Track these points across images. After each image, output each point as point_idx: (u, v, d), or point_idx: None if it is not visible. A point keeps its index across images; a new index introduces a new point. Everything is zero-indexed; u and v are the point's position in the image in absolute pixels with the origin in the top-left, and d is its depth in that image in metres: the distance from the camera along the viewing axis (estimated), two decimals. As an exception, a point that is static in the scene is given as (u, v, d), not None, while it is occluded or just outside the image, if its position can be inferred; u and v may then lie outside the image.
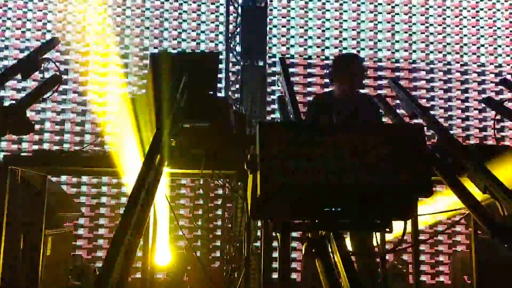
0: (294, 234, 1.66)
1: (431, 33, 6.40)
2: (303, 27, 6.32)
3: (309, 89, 6.14)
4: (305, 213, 1.51)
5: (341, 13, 6.38)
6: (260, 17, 5.99)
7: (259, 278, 2.50)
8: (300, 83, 6.14)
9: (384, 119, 3.73)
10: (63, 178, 5.61)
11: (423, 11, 6.46)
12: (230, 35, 6.17)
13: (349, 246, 3.27)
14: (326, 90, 5.52)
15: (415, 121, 2.41)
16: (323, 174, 1.41)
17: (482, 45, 6.42)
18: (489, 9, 6.48)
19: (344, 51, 6.27)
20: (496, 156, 2.53)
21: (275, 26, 6.27)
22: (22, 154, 5.53)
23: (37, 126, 5.63)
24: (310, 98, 5.71)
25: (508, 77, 6.22)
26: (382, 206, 1.50)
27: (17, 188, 2.99)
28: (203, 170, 2.73)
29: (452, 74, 6.33)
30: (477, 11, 6.46)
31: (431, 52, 6.37)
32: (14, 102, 2.68)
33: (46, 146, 5.72)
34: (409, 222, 1.62)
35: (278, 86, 5.99)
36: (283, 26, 6.29)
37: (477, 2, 6.47)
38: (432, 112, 5.88)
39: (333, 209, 1.50)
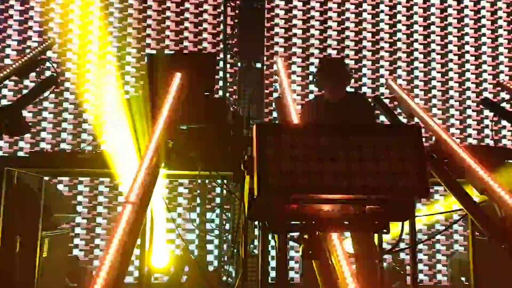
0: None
1: (432, 32, 6.41)
2: (301, 28, 6.32)
3: (307, 90, 6.14)
4: (302, 214, 1.50)
5: (339, 14, 6.38)
6: (258, 18, 5.99)
7: (257, 279, 2.49)
8: (298, 84, 6.15)
9: (382, 119, 3.74)
10: (60, 178, 5.59)
11: (422, 12, 6.47)
12: (228, 36, 6.17)
13: (351, 247, 3.26)
14: (315, 95, 5.54)
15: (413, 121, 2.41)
16: (319, 175, 1.41)
17: (482, 45, 6.42)
18: (489, 10, 6.50)
19: (343, 52, 6.28)
20: (494, 158, 2.53)
21: (273, 27, 6.27)
22: (19, 155, 5.51)
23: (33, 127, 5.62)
24: (308, 99, 5.72)
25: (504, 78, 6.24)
26: (379, 207, 1.50)
27: (13, 189, 2.98)
28: (200, 171, 2.72)
29: (450, 74, 6.34)
30: (477, 12, 6.47)
31: (431, 51, 6.38)
32: (10, 102, 2.67)
33: (43, 146, 5.70)
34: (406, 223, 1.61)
35: (276, 87, 6.00)
36: (281, 28, 6.29)
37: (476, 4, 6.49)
38: (429, 113, 5.91)
39: (330, 210, 1.50)
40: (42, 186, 3.20)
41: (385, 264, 5.18)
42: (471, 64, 6.36)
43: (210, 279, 4.80)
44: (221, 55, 6.09)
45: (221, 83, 6.03)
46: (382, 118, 3.73)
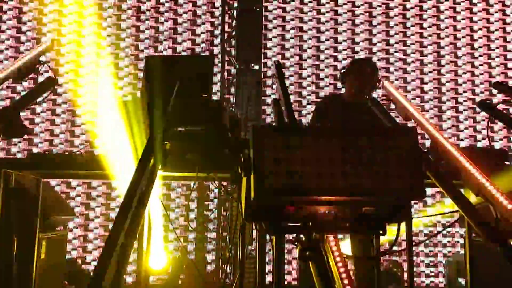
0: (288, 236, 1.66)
1: (429, 35, 6.43)
2: (299, 30, 6.34)
3: (304, 92, 6.16)
4: (298, 216, 1.51)
5: (337, 16, 6.40)
6: (256, 20, 6.00)
7: (254, 280, 2.50)
8: (296, 86, 6.16)
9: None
10: (58, 180, 5.59)
11: (418, 13, 6.49)
12: (225, 38, 6.18)
13: (349, 249, 3.26)
14: (330, 93, 5.52)
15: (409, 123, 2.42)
16: (316, 177, 1.42)
17: (477, 48, 6.45)
18: (483, 10, 6.52)
19: (341, 54, 6.30)
20: (490, 160, 2.55)
21: (271, 29, 6.29)
22: (16, 157, 5.51)
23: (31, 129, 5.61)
24: (319, 99, 5.70)
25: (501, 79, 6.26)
26: (375, 209, 1.51)
27: (11, 191, 2.98)
28: (197, 173, 2.73)
29: (446, 76, 6.36)
30: (472, 13, 6.50)
31: (426, 55, 6.40)
32: (7, 105, 2.68)
33: (40, 149, 5.70)
34: (403, 224, 1.62)
35: (273, 89, 6.01)
36: (280, 30, 6.31)
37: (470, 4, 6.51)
38: (426, 115, 5.93)
39: (326, 212, 1.51)
40: (40, 188, 3.20)
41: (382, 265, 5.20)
42: (469, 65, 6.39)
43: (207, 280, 4.81)
44: (219, 57, 6.10)
45: (218, 85, 6.04)
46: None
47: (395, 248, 1.73)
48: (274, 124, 4.03)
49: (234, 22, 6.10)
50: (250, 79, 5.82)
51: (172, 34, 6.20)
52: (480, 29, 6.49)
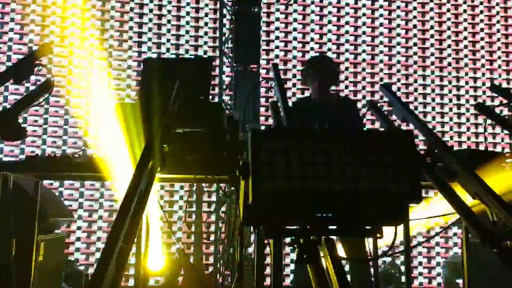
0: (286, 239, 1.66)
1: (431, 36, 6.44)
2: (298, 31, 6.35)
3: (306, 93, 6.16)
4: (296, 219, 1.52)
5: (335, 17, 6.41)
6: (254, 22, 6.01)
7: (253, 283, 2.50)
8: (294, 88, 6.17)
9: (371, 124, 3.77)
10: (56, 182, 5.59)
11: (420, 15, 6.51)
12: (223, 40, 6.19)
13: (341, 252, 3.27)
14: (298, 97, 5.55)
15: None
16: (314, 180, 1.42)
17: (479, 49, 6.46)
18: (486, 13, 6.54)
19: (340, 56, 6.31)
20: (487, 162, 2.55)
21: (269, 31, 6.29)
22: (15, 159, 5.51)
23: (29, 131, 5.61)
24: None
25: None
26: (372, 211, 1.52)
27: (9, 193, 2.98)
28: (196, 175, 2.73)
29: (446, 78, 6.38)
30: (474, 16, 6.52)
31: (428, 56, 6.41)
32: (5, 107, 2.68)
33: (39, 151, 5.70)
34: (400, 227, 1.63)
35: (271, 91, 6.02)
36: (278, 32, 6.32)
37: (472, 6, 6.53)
38: (423, 118, 5.95)
39: (324, 215, 1.51)
40: (38, 190, 3.20)
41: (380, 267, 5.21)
42: (469, 68, 6.41)
43: (205, 282, 4.81)
44: (217, 59, 6.11)
45: (217, 87, 6.05)
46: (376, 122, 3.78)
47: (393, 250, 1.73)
48: (271, 126, 4.06)
49: (232, 23, 6.11)
50: (249, 81, 5.83)
51: (170, 36, 6.20)
52: (482, 29, 6.51)
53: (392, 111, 2.32)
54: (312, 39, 6.35)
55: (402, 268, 5.08)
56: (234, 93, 5.90)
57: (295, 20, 6.38)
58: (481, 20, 6.51)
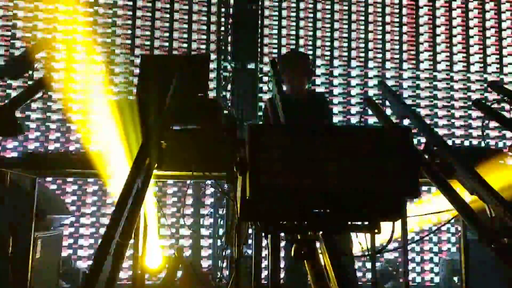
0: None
1: (422, 34, 6.45)
2: (295, 29, 6.34)
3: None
4: (294, 215, 1.51)
5: (332, 14, 6.41)
6: (252, 19, 5.99)
7: (250, 279, 2.50)
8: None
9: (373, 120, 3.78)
10: (53, 178, 5.58)
11: (413, 12, 6.50)
12: (221, 37, 6.18)
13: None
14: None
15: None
16: (311, 176, 1.42)
17: (473, 45, 6.47)
18: (478, 8, 6.54)
19: (336, 53, 6.30)
20: (485, 159, 2.56)
21: (267, 28, 6.28)
22: (11, 155, 5.49)
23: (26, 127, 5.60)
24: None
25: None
26: (370, 207, 1.52)
27: (6, 190, 2.97)
28: (193, 172, 2.73)
29: (443, 76, 6.38)
30: (466, 12, 6.52)
31: (423, 51, 6.42)
32: (3, 103, 2.67)
33: (34, 146, 5.69)
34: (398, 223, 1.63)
35: (269, 88, 6.00)
36: (276, 29, 6.31)
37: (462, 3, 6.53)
38: (422, 114, 5.95)
39: (322, 211, 1.51)
40: (35, 187, 3.19)
41: (378, 264, 5.22)
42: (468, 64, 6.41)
43: (203, 279, 4.81)
44: (215, 56, 6.10)
45: (214, 84, 6.04)
46: (373, 119, 3.79)
47: (391, 246, 1.73)
48: (266, 122, 4.05)
49: (230, 20, 6.10)
50: (246, 78, 5.82)
51: (167, 33, 6.19)
52: (476, 26, 6.51)
53: (390, 108, 2.33)
54: (308, 36, 6.35)
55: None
56: (231, 91, 5.89)
57: (293, 17, 6.37)
58: (475, 17, 6.52)
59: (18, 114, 2.67)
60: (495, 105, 2.89)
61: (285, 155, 1.44)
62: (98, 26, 6.03)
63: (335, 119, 6.05)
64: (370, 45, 6.37)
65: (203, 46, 6.21)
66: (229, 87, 6.00)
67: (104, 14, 6.10)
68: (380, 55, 6.36)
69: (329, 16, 6.40)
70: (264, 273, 4.46)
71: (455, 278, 4.92)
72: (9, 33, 5.87)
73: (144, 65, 3.02)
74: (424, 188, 5.05)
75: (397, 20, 6.46)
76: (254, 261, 2.57)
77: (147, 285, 4.60)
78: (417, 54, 6.40)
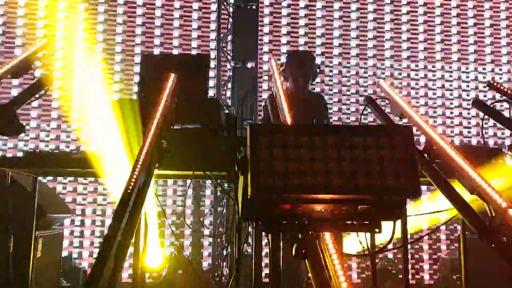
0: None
1: (430, 31, 6.45)
2: (295, 27, 6.34)
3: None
4: (295, 214, 1.52)
5: (331, 12, 6.41)
6: (252, 18, 5.99)
7: (250, 278, 2.51)
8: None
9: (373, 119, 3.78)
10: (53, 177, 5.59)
11: (413, 10, 6.51)
12: (221, 36, 6.18)
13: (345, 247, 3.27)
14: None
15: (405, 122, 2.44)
16: (312, 175, 1.43)
17: (468, 45, 6.47)
18: (476, 7, 6.55)
19: (335, 50, 6.31)
20: (484, 158, 2.56)
21: (267, 27, 6.29)
22: (12, 155, 5.50)
23: (27, 127, 5.60)
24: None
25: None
26: (371, 207, 1.52)
27: (7, 189, 2.98)
28: (194, 171, 2.73)
29: (444, 75, 6.39)
30: (465, 10, 6.53)
31: (422, 50, 6.42)
32: (3, 102, 2.67)
33: (33, 145, 5.69)
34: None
35: (269, 86, 6.01)
36: (276, 28, 6.31)
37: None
38: (421, 113, 5.95)
39: (322, 210, 1.52)
40: (36, 186, 3.19)
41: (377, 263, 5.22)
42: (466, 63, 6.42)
43: (203, 278, 4.82)
44: (215, 55, 6.10)
45: (214, 83, 6.05)
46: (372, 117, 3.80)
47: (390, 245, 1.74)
48: (266, 120, 4.05)
49: (230, 19, 6.10)
50: (246, 77, 5.82)
51: (168, 31, 6.19)
52: (473, 25, 6.52)
53: (390, 107, 2.33)
54: (305, 34, 6.35)
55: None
56: (232, 90, 5.90)
57: (293, 16, 6.37)
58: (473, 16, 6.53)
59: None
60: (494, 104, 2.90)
61: (286, 155, 1.44)
62: (99, 25, 6.03)
63: (334, 118, 6.06)
64: (370, 44, 6.38)
65: (203, 45, 6.21)
66: (229, 86, 6.01)
67: (105, 13, 6.10)
68: (379, 56, 6.37)
69: (329, 15, 6.40)
70: (264, 272, 4.47)
71: (455, 277, 4.92)
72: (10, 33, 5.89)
73: (145, 64, 3.03)
74: (423, 187, 5.06)
75: (398, 20, 6.47)
76: (254, 260, 2.57)
77: (147, 284, 4.61)
78: (416, 52, 6.41)
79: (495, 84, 2.78)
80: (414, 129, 1.73)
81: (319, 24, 6.36)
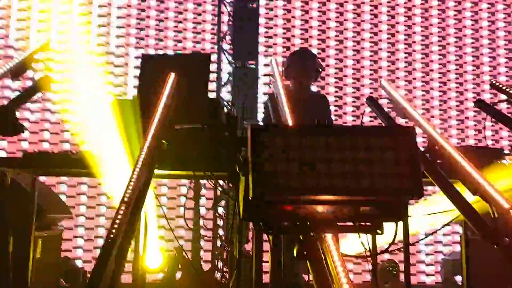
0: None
1: (431, 33, 6.45)
2: (296, 27, 6.34)
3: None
4: (296, 215, 1.51)
5: (327, 11, 6.41)
6: (252, 17, 5.98)
7: (251, 279, 2.49)
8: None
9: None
10: (53, 178, 5.57)
11: (423, 11, 6.50)
12: (221, 35, 6.17)
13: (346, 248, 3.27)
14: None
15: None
16: (314, 176, 1.42)
17: (468, 45, 6.47)
18: (488, 10, 6.54)
19: (336, 51, 6.30)
20: (488, 159, 2.55)
21: (268, 27, 6.28)
22: (11, 155, 5.49)
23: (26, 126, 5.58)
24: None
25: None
26: (373, 208, 1.51)
27: (6, 189, 2.97)
28: (194, 171, 2.72)
29: (447, 75, 6.38)
30: (476, 12, 6.52)
31: (428, 53, 6.41)
32: (3, 103, 2.66)
33: (36, 146, 5.68)
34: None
35: (270, 87, 6.00)
36: (277, 28, 6.31)
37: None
38: (423, 114, 5.94)
39: (324, 212, 1.51)
40: (36, 186, 3.18)
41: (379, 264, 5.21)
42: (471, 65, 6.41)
43: (204, 279, 4.80)
44: (215, 55, 6.09)
45: (215, 83, 6.03)
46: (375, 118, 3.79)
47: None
48: (267, 119, 4.05)
49: (230, 19, 6.08)
50: (247, 77, 5.81)
51: (168, 32, 6.18)
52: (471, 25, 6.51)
53: (392, 108, 2.32)
54: (297, 35, 6.34)
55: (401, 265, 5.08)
56: (232, 90, 5.89)
57: (293, 17, 6.37)
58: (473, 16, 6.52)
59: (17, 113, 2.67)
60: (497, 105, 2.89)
61: (287, 155, 1.43)
62: (98, 25, 6.03)
63: (332, 117, 6.05)
64: (371, 44, 6.38)
65: (203, 45, 6.21)
66: (229, 86, 6.00)
67: (104, 13, 6.10)
68: (379, 56, 6.36)
69: (328, 15, 6.40)
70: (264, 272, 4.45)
71: (457, 278, 4.91)
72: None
73: (145, 65, 3.01)
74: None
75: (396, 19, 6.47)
76: (255, 261, 2.56)
77: (147, 284, 4.60)
78: (416, 52, 6.40)
79: (497, 84, 2.77)
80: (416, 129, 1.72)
81: (320, 24, 6.35)
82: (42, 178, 4.36)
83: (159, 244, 3.94)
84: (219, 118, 2.79)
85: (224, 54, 6.11)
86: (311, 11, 6.40)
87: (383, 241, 1.76)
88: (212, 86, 5.98)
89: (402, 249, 3.06)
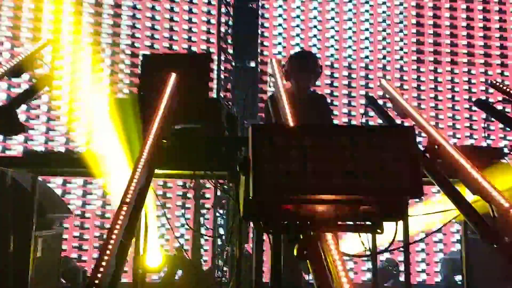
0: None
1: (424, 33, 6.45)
2: (296, 27, 6.34)
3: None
4: (297, 214, 1.51)
5: (326, 12, 6.41)
6: (252, 17, 5.99)
7: (251, 279, 2.50)
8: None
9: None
10: (53, 178, 5.57)
11: (418, 11, 6.51)
12: (222, 35, 6.17)
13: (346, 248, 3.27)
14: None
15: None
16: (314, 176, 1.42)
17: (473, 46, 6.47)
18: (483, 9, 6.55)
19: (337, 51, 6.30)
20: (488, 159, 2.55)
21: (268, 27, 6.28)
22: (12, 154, 5.49)
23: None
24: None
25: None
26: (373, 207, 1.51)
27: (7, 189, 2.97)
28: (194, 171, 2.72)
29: (446, 75, 6.38)
30: (471, 10, 6.53)
31: (422, 52, 6.41)
32: (4, 102, 2.66)
33: (36, 146, 5.68)
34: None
35: (270, 87, 6.00)
36: (276, 28, 6.30)
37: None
38: (423, 113, 5.95)
39: (324, 211, 1.51)
40: (36, 186, 3.18)
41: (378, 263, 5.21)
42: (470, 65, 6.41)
43: (204, 278, 4.81)
44: (215, 55, 6.09)
45: (215, 83, 6.04)
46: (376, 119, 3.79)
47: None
48: (267, 120, 4.05)
49: (230, 19, 6.09)
50: (247, 77, 5.82)
51: (168, 31, 6.18)
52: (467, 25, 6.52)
53: (392, 107, 2.32)
54: (298, 35, 6.34)
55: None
56: (232, 89, 5.89)
57: (294, 16, 6.37)
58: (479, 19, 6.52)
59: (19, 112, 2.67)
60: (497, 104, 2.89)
61: (288, 155, 1.43)
62: (99, 25, 6.03)
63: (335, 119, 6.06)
64: (371, 45, 6.37)
65: (204, 45, 6.21)
66: (229, 86, 6.00)
67: (105, 13, 6.10)
68: (379, 55, 6.36)
69: (329, 15, 6.40)
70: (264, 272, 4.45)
71: (457, 278, 4.92)
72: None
73: (145, 64, 3.01)
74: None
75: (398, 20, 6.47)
76: (255, 261, 2.56)
77: (147, 284, 4.60)
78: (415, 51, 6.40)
79: (497, 84, 2.76)
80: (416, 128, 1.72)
81: (320, 24, 6.35)
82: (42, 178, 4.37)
83: (159, 244, 3.94)
84: (219, 118, 2.79)
85: (224, 53, 6.11)
86: (311, 11, 6.40)
87: (383, 240, 1.77)
88: (212, 85, 5.98)
89: (402, 249, 3.06)
